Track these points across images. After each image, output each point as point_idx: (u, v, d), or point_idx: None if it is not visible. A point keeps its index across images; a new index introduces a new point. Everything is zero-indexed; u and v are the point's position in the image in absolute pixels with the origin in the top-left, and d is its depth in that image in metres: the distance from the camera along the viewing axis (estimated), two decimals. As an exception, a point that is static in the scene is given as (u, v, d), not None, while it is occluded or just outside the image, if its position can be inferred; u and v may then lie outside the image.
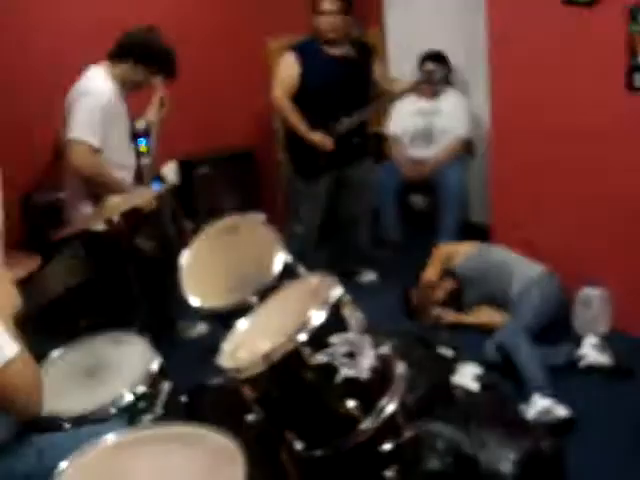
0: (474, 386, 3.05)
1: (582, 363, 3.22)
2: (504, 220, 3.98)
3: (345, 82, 3.89)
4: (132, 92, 3.37)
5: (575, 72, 3.36)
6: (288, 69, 3.91)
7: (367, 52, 4.09)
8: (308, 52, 3.91)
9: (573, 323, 3.57)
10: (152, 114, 3.57)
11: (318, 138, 3.88)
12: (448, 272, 3.79)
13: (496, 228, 4.05)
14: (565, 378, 3.12)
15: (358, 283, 4.36)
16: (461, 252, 3.80)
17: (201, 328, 3.77)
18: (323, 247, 4.50)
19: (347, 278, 4.23)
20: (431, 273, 3.78)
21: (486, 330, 3.50)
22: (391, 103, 4.47)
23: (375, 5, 5.26)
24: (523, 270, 3.53)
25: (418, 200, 5.19)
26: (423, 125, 4.65)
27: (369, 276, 4.42)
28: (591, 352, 3.22)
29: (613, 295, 3.53)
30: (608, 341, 3.31)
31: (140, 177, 3.46)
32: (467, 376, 3.10)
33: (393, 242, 4.72)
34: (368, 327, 2.08)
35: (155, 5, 4.36)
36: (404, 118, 4.73)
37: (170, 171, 4.55)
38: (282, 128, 4.18)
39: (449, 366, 3.12)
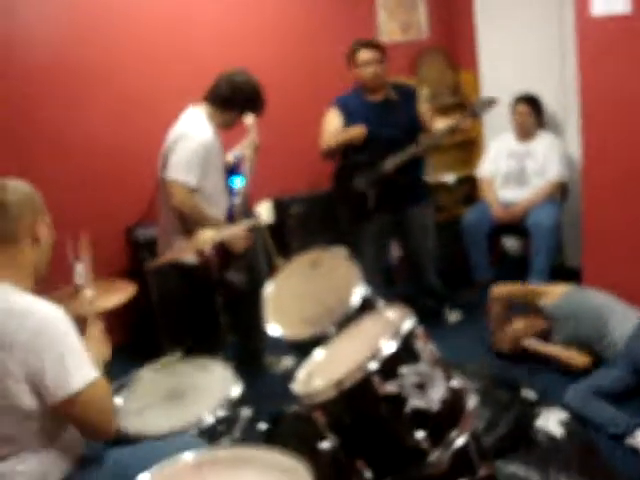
0: (558, 431, 2.97)
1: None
2: (596, 263, 3.90)
3: (389, 124, 3.92)
4: (224, 130, 3.54)
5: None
6: (331, 122, 4.00)
7: (410, 93, 4.12)
8: (349, 103, 4.00)
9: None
10: (244, 149, 3.70)
11: (354, 131, 3.90)
12: (539, 311, 3.76)
13: (588, 271, 3.97)
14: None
15: (444, 322, 4.37)
16: (556, 292, 3.74)
17: (287, 362, 3.84)
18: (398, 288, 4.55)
19: (433, 316, 4.26)
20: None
21: (565, 368, 3.48)
22: (436, 143, 4.25)
23: (470, 49, 5.31)
24: (621, 318, 3.40)
25: (512, 244, 5.14)
26: (516, 167, 4.63)
27: (454, 316, 4.41)
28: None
29: None
30: None
31: (232, 215, 3.59)
32: (551, 420, 3.02)
33: (482, 283, 4.68)
34: (448, 362, 2.10)
35: (251, 55, 4.55)
36: (497, 159, 4.74)
37: (265, 210, 4.71)
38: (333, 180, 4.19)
39: (532, 409, 3.07)
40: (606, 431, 3.00)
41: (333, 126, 3.99)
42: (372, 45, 3.97)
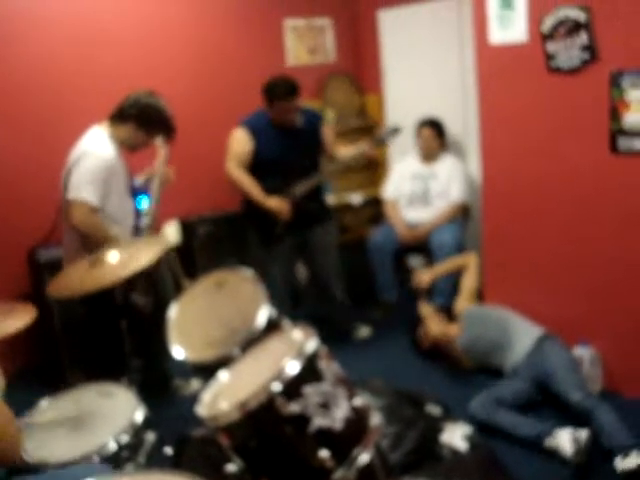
0: (462, 445, 3.05)
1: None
2: (496, 281, 4.03)
3: (296, 150, 3.99)
4: (132, 152, 3.49)
5: (562, 136, 3.46)
6: (240, 145, 3.99)
7: (315, 119, 4.17)
8: (259, 127, 4.00)
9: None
10: (156, 170, 3.65)
11: (274, 203, 3.95)
12: (452, 318, 3.98)
13: (489, 290, 4.09)
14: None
15: (353, 338, 4.43)
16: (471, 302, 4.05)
17: (195, 384, 3.80)
18: (307, 308, 4.60)
19: (341, 334, 4.32)
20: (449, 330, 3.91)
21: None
22: (343, 168, 4.44)
23: (375, 73, 5.44)
24: (523, 332, 3.59)
25: (416, 263, 5.26)
26: (420, 188, 4.76)
27: (364, 331, 4.49)
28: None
29: (604, 355, 3.55)
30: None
31: (139, 235, 3.54)
32: (455, 435, 3.10)
33: (388, 303, 4.77)
34: (352, 381, 2.13)
35: (166, 77, 4.55)
36: (401, 181, 4.85)
37: (171, 230, 4.66)
38: (243, 204, 4.22)
39: (437, 424, 3.13)
40: (518, 435, 3.12)
41: (243, 150, 3.98)
42: (295, 93, 3.90)
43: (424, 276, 4.13)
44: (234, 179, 4.02)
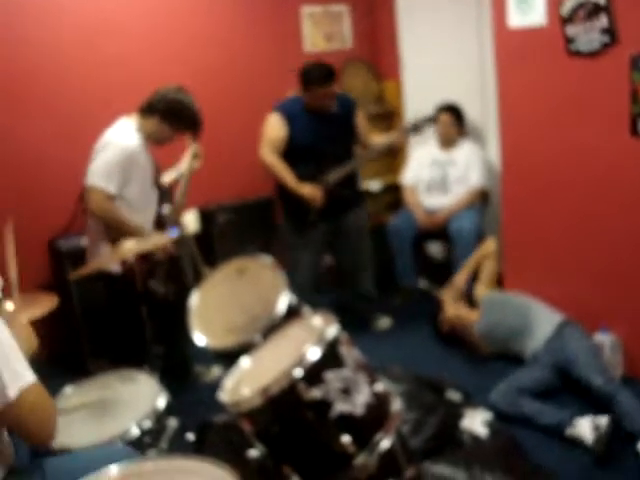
0: (482, 431, 3.05)
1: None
2: (516, 268, 4.02)
3: (330, 136, 3.96)
4: (159, 146, 3.49)
5: (581, 120, 3.43)
6: (275, 130, 3.96)
7: (349, 105, 4.14)
8: (293, 112, 3.97)
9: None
10: (184, 166, 3.67)
11: (307, 190, 3.93)
12: (473, 304, 3.98)
13: (508, 275, 4.09)
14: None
15: (374, 328, 4.41)
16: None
17: (216, 371, 3.82)
18: (328, 295, 4.59)
19: (363, 322, 4.31)
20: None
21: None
22: (377, 155, 4.44)
23: (393, 59, 5.41)
24: (544, 318, 3.58)
25: (436, 249, 5.25)
26: (438, 175, 4.74)
27: (384, 322, 4.46)
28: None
29: (625, 341, 3.53)
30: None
31: (161, 224, 3.56)
32: (476, 421, 3.11)
33: (408, 289, 4.76)
34: (373, 367, 2.14)
35: (181, 64, 4.57)
36: (420, 167, 4.84)
37: (190, 219, 4.68)
38: (277, 190, 4.21)
39: (457, 410, 3.14)
40: (540, 424, 3.10)
41: (277, 136, 3.96)
42: (331, 79, 3.87)
43: (449, 312, 4.01)
44: (267, 164, 4.00)
